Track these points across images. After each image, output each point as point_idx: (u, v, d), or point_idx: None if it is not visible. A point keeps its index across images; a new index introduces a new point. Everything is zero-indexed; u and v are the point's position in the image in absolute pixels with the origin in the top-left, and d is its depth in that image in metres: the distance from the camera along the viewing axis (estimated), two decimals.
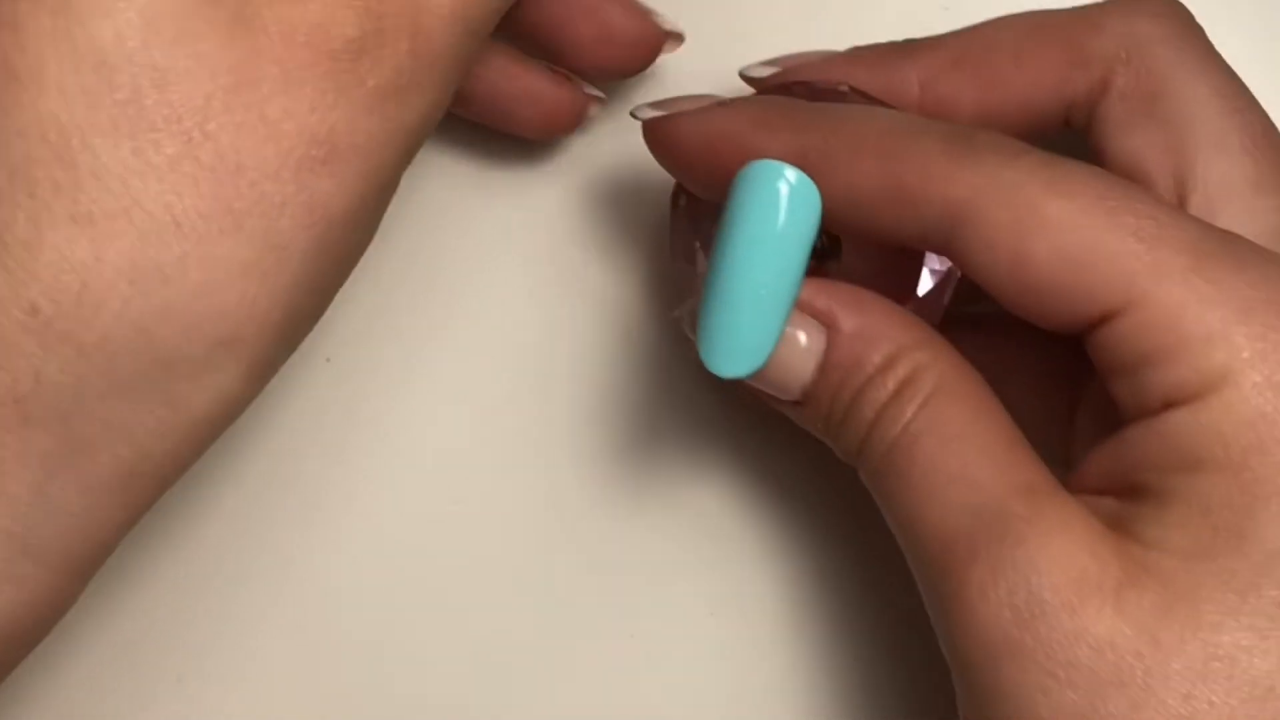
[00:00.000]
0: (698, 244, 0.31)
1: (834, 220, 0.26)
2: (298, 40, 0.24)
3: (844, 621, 0.34)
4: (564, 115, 0.33)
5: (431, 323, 0.35)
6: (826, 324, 0.27)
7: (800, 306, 0.27)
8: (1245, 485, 0.24)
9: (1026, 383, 0.29)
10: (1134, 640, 0.24)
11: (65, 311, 0.24)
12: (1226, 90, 0.28)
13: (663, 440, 0.35)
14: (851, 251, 0.30)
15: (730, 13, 0.35)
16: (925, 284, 0.29)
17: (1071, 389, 0.30)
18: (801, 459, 0.34)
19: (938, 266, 0.29)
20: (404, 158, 0.26)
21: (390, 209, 0.27)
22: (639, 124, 0.30)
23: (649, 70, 0.33)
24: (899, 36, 0.31)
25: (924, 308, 0.29)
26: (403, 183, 0.27)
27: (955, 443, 0.26)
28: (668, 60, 0.33)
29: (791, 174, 0.25)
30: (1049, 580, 0.24)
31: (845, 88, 0.30)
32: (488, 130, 0.34)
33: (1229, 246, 0.25)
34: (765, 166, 0.25)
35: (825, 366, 0.27)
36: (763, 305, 0.26)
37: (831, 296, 0.27)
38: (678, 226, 0.32)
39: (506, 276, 0.35)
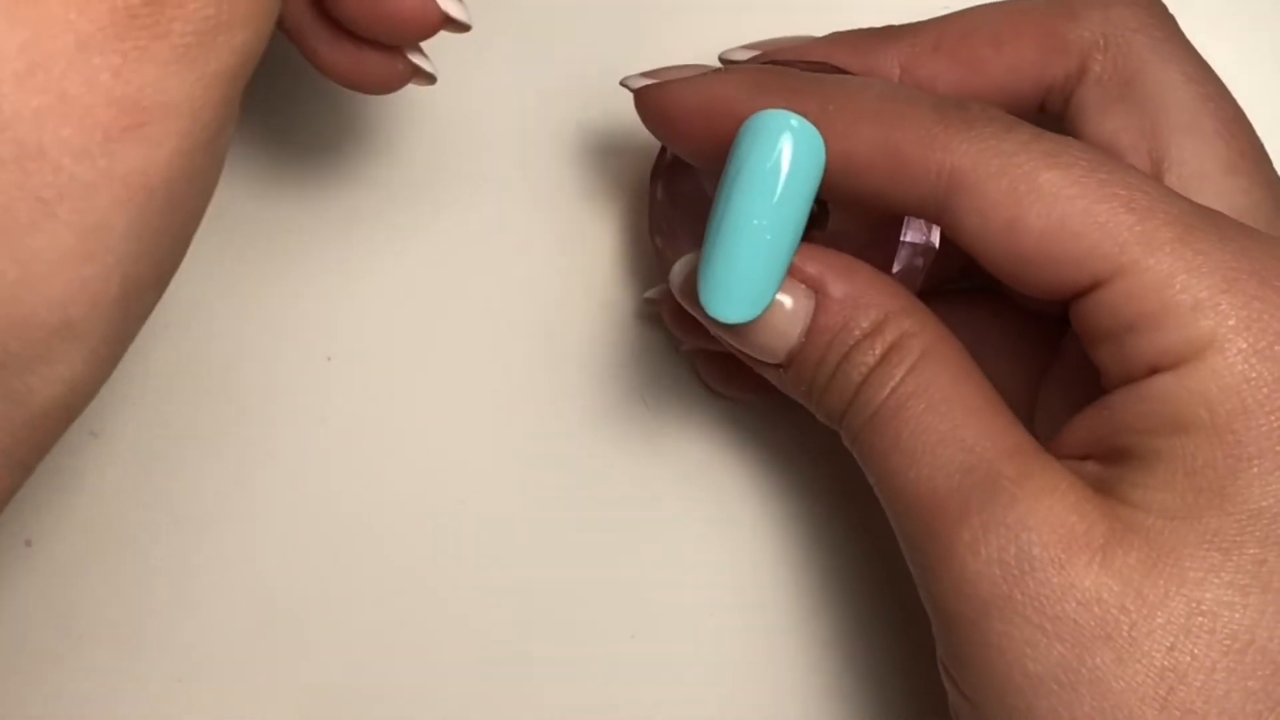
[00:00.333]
0: (676, 221, 0.32)
1: (828, 186, 0.27)
2: (90, 3, 0.22)
3: (844, 622, 0.34)
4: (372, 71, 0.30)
5: (431, 322, 0.35)
6: (815, 289, 0.27)
7: (790, 272, 0.27)
8: (1229, 447, 0.24)
9: (991, 359, 0.30)
10: (1120, 595, 0.24)
11: None
12: (1199, 77, 0.29)
13: (664, 440, 0.35)
14: (837, 219, 0.30)
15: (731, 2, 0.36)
16: (905, 255, 0.29)
17: (1036, 365, 0.30)
18: (803, 459, 0.34)
19: (917, 239, 0.29)
20: (227, 104, 0.24)
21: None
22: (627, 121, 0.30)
23: (633, 54, 0.33)
24: None
25: (903, 277, 0.29)
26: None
27: (943, 405, 0.26)
28: (658, 45, 0.33)
29: (797, 121, 0.26)
30: (1038, 538, 0.25)
31: (828, 69, 0.30)
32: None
33: (1213, 221, 0.26)
34: (772, 115, 0.26)
35: (812, 330, 0.27)
36: (766, 251, 0.26)
37: (822, 262, 0.27)
38: (656, 204, 0.32)
39: (507, 276, 0.35)
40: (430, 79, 0.30)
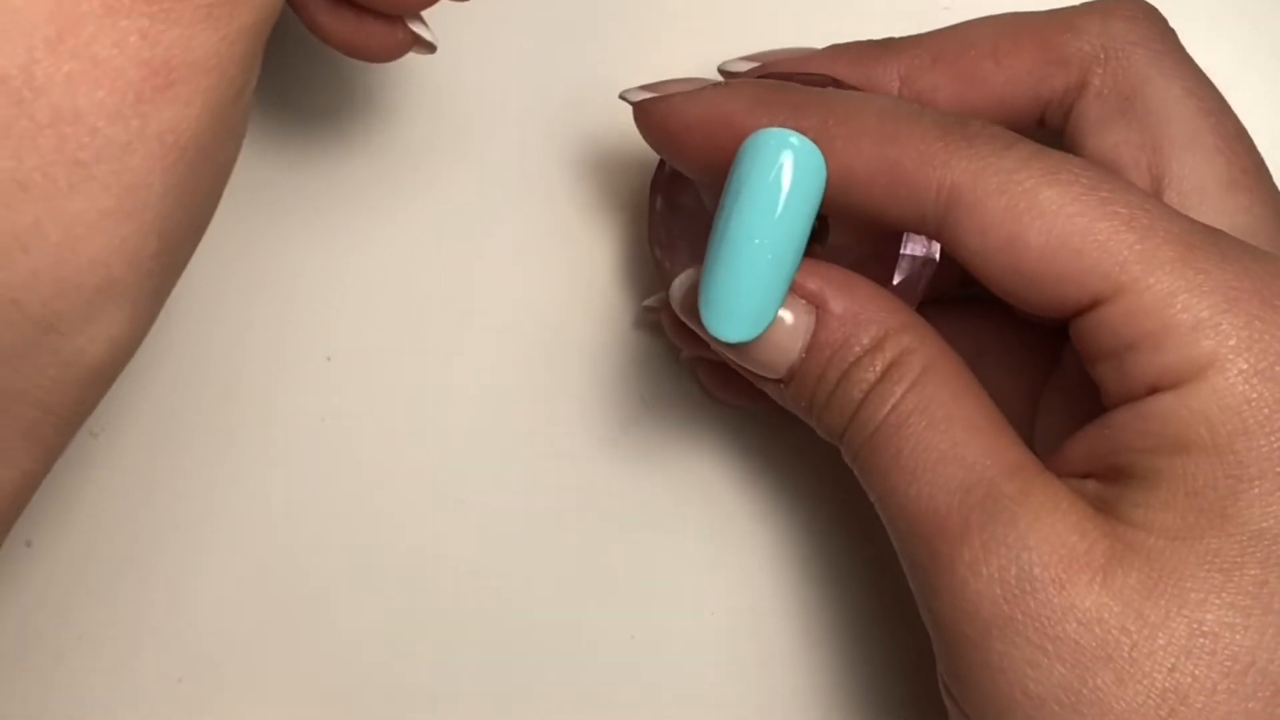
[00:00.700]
0: (675, 232, 0.32)
1: (828, 202, 0.27)
2: None
3: (845, 622, 0.34)
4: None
5: (431, 321, 0.35)
6: (816, 305, 0.27)
7: (791, 288, 0.27)
8: (1230, 468, 0.24)
9: (991, 368, 0.30)
10: (1121, 616, 0.24)
11: None
12: (1199, 92, 0.29)
13: (664, 441, 0.35)
14: (837, 232, 0.30)
15: (727, 9, 0.36)
16: (905, 267, 0.29)
17: (1037, 374, 0.30)
18: (803, 461, 0.34)
19: (917, 252, 0.29)
20: (250, 60, 0.25)
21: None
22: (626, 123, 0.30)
23: (633, 65, 0.33)
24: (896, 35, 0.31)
25: (904, 290, 0.29)
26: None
27: (944, 423, 0.26)
28: (658, 55, 0.33)
29: (797, 140, 0.26)
30: (1039, 557, 0.25)
31: (827, 81, 0.30)
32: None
33: (1214, 239, 0.26)
34: (773, 133, 0.26)
35: (813, 346, 0.27)
36: (767, 270, 0.26)
37: (822, 278, 0.27)
38: (655, 215, 0.32)
39: (508, 283, 0.35)
40: (430, 47, 0.30)
